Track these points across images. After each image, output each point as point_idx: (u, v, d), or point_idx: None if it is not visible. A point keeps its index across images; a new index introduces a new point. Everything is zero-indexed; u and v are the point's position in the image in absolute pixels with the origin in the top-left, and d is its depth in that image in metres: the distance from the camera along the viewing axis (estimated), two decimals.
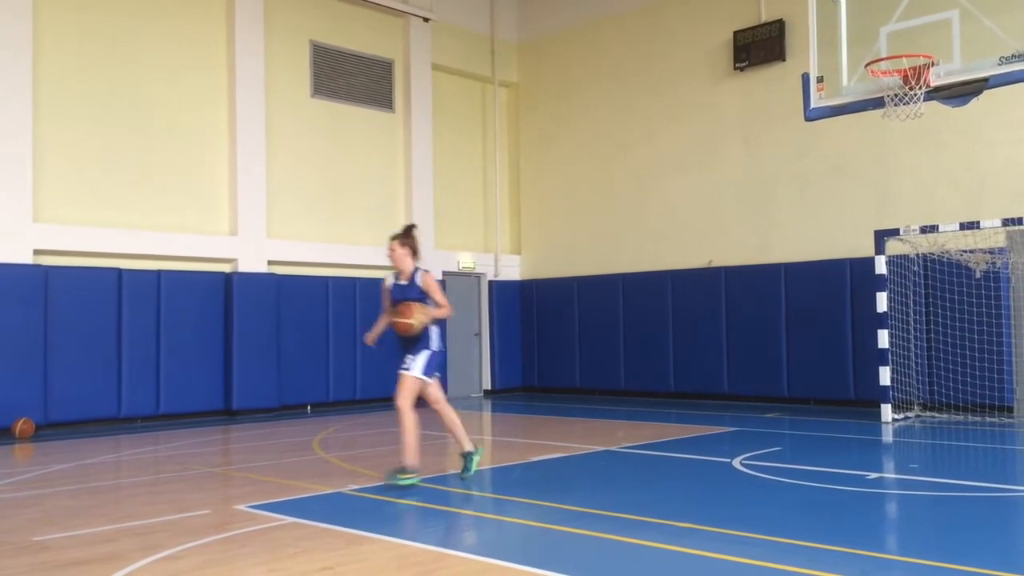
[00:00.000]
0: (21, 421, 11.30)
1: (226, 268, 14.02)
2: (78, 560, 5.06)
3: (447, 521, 6.21)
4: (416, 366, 7.28)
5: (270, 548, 5.31)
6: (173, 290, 13.16)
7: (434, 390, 7.48)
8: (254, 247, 14.18)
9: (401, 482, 7.11)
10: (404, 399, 7.25)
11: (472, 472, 7.64)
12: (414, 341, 7.32)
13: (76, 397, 12.12)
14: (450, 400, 16.41)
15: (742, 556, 4.91)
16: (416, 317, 7.19)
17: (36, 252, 12.05)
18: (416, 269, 7.43)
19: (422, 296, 7.33)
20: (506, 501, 6.94)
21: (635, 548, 5.22)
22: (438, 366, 7.47)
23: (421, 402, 7.40)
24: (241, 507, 6.49)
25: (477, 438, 11.41)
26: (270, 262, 14.42)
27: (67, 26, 12.65)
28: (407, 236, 7.49)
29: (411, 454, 7.24)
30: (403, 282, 7.43)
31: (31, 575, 4.80)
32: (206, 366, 13.43)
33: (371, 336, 7.82)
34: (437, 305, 7.35)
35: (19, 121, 11.95)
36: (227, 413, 13.60)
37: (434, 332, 7.39)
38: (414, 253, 7.47)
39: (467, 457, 7.67)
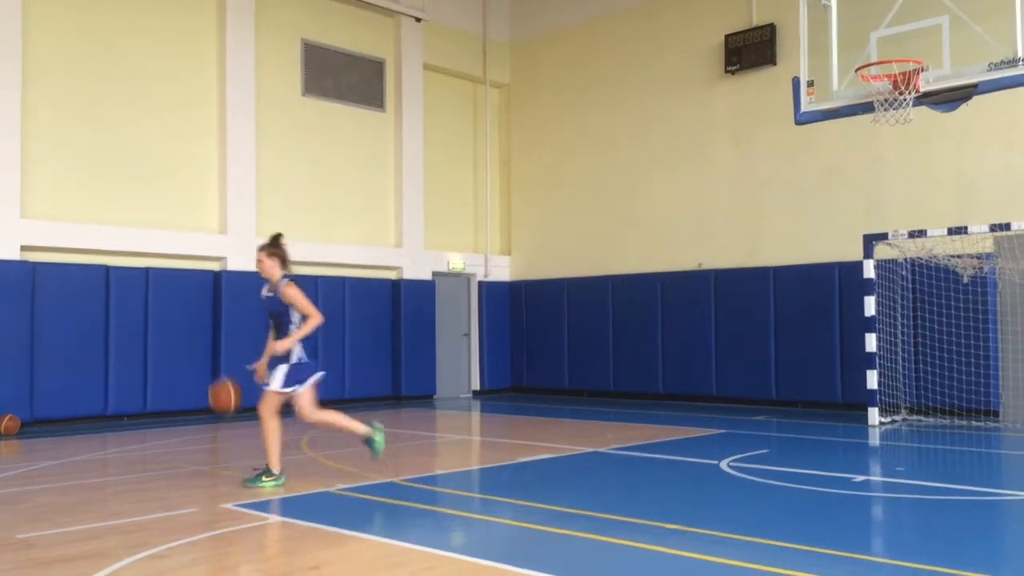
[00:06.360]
0: (7, 418, 11.23)
1: (215, 266, 13.97)
2: (63, 558, 5.04)
3: (434, 521, 6.20)
4: (275, 381, 7.23)
5: (257, 547, 5.29)
6: (161, 288, 13.10)
7: (302, 401, 7.29)
8: (243, 245, 14.12)
9: (263, 485, 7.14)
10: (264, 409, 7.28)
11: (380, 451, 7.52)
12: (276, 357, 7.28)
13: (63, 394, 12.04)
14: (438, 400, 16.42)
15: (729, 558, 4.92)
16: (227, 402, 7.45)
17: (23, 248, 11.98)
18: (282, 279, 7.36)
19: (285, 308, 7.27)
20: (494, 501, 6.94)
21: (622, 549, 5.23)
22: (306, 376, 7.30)
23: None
24: (228, 506, 6.47)
25: (466, 439, 11.42)
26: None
27: (57, 22, 12.58)
28: (274, 246, 7.49)
29: (273, 459, 7.26)
30: (270, 293, 7.39)
31: (16, 572, 4.77)
32: (194, 364, 13.37)
33: (263, 364, 7.49)
34: (302, 315, 7.23)
35: (7, 117, 11.87)
36: (214, 412, 13.53)
37: (296, 346, 7.27)
38: (283, 262, 7.45)
39: (369, 441, 7.51)
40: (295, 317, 7.30)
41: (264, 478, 7.21)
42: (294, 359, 7.26)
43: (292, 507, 6.44)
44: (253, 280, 13.93)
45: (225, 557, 5.13)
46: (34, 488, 7.38)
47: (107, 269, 12.59)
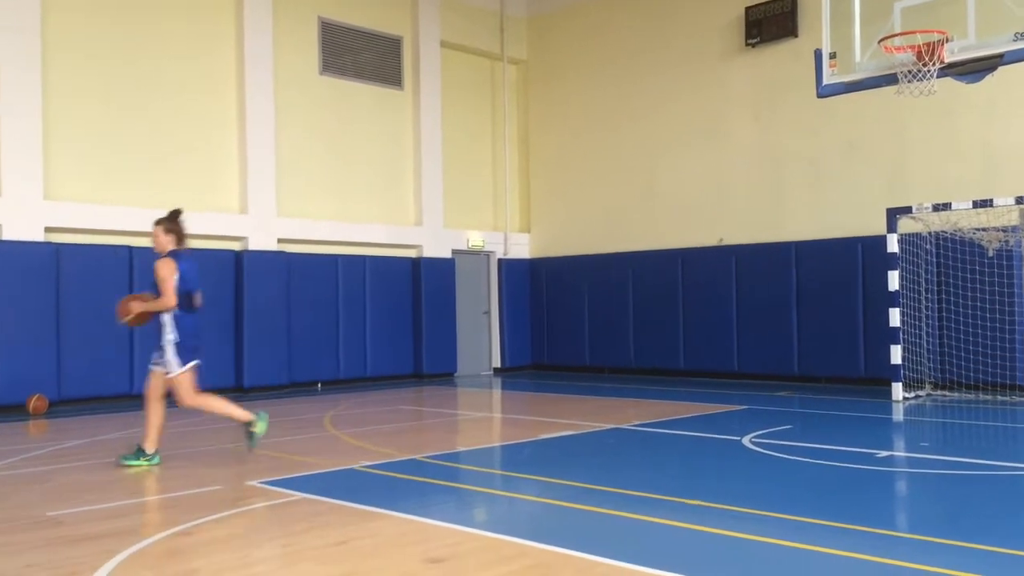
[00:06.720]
0: (35, 397, 11.38)
1: (236, 246, 14.04)
2: (92, 535, 5.11)
3: (458, 497, 6.24)
4: (173, 367, 7.22)
5: (283, 523, 5.35)
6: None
7: (158, 381, 7.33)
8: (264, 225, 14.19)
9: (256, 439, 7.30)
10: (190, 400, 7.29)
11: (128, 463, 7.26)
12: (155, 334, 7.25)
13: (89, 373, 12.18)
14: (459, 378, 16.48)
15: (752, 533, 4.92)
16: (128, 312, 7.30)
17: (48, 230, 12.09)
18: (167, 254, 7.33)
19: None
20: (516, 478, 6.97)
21: (645, 525, 5.24)
22: (189, 358, 7.35)
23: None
24: (254, 483, 6.53)
25: (488, 416, 11.47)
26: (280, 240, 14.43)
27: (76, 5, 12.62)
28: (172, 221, 7.46)
29: (239, 416, 7.34)
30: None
31: (46, 549, 4.85)
32: (217, 343, 13.46)
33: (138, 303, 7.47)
34: (161, 295, 7.20)
35: (29, 100, 11.95)
36: (238, 390, 13.65)
37: (167, 322, 7.24)
38: (179, 239, 7.44)
39: (137, 453, 7.35)
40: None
41: (253, 430, 7.32)
42: (173, 336, 7.23)
43: (317, 484, 6.49)
44: (274, 259, 14.08)
45: (251, 534, 5.18)
46: (62, 467, 7.48)
47: (130, 249, 12.68)
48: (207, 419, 10.66)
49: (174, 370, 7.24)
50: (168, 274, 7.23)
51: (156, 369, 7.35)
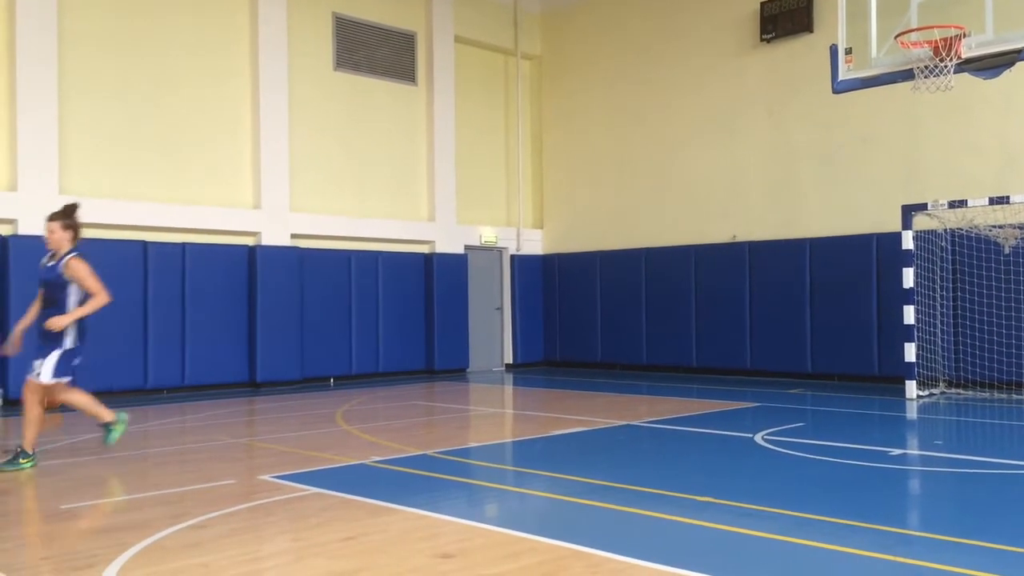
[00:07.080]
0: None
1: (250, 241, 14.09)
2: (106, 528, 5.14)
3: (469, 493, 6.25)
4: (45, 371, 6.85)
5: (294, 518, 5.36)
6: (198, 263, 13.25)
7: (64, 394, 7.03)
8: (277, 220, 14.24)
9: (21, 467, 6.86)
10: (29, 397, 6.92)
11: (113, 440, 7.28)
12: (47, 337, 6.90)
13: (102, 368, 12.20)
14: (471, 374, 16.47)
15: (764, 531, 4.90)
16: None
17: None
18: (68, 253, 7.02)
19: (65, 282, 6.94)
20: (528, 474, 6.97)
21: (656, 521, 5.23)
22: (74, 365, 7.04)
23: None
24: (265, 477, 6.56)
25: (499, 412, 11.47)
26: (293, 235, 14.47)
27: (92, 1, 12.70)
28: (68, 216, 7.14)
29: (29, 440, 6.93)
30: (50, 263, 7.05)
31: (61, 542, 4.88)
32: (231, 338, 13.55)
33: (17, 334, 7.11)
34: (86, 293, 6.95)
35: (44, 95, 12.02)
36: (251, 385, 13.72)
37: (70, 328, 6.96)
38: (75, 235, 7.14)
39: (106, 427, 7.28)
40: (73, 294, 7.01)
41: (21, 460, 6.91)
42: (68, 343, 6.95)
43: (328, 479, 6.51)
44: (287, 254, 14.12)
45: (263, 527, 5.20)
46: (77, 460, 7.53)
47: (144, 245, 12.75)
48: (216, 415, 10.73)
49: (45, 376, 6.86)
50: (89, 271, 7.01)
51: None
